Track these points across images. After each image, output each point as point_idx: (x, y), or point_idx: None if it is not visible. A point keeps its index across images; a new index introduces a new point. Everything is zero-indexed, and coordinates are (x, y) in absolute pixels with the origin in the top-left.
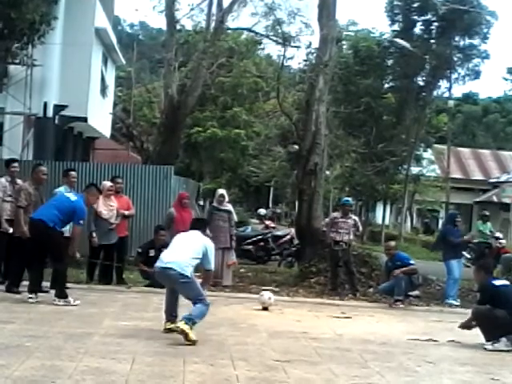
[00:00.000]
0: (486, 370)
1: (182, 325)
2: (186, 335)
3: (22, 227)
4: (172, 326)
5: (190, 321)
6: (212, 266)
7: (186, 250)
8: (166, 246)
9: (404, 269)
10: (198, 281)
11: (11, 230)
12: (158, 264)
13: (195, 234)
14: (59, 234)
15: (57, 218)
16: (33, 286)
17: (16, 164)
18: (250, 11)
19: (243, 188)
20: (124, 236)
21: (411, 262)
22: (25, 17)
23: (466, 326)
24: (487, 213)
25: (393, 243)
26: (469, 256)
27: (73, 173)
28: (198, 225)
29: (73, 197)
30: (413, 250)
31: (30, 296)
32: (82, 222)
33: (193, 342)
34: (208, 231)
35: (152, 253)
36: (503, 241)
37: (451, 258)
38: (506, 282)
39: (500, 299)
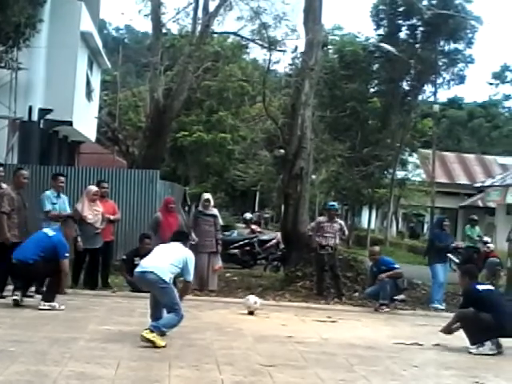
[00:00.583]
0: (471, 373)
1: (146, 334)
2: (152, 343)
3: (4, 234)
4: (143, 333)
5: (157, 329)
6: (191, 278)
7: (166, 257)
8: None
9: (389, 273)
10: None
11: None
12: (138, 269)
13: (177, 245)
14: (41, 264)
15: (36, 255)
16: (46, 295)
17: (1, 168)
18: (236, 15)
19: (229, 192)
20: (109, 240)
21: (395, 265)
22: (10, 20)
23: (447, 330)
24: (476, 217)
25: (377, 248)
26: (457, 260)
27: (61, 178)
28: (180, 237)
29: (50, 232)
30: (398, 255)
31: (16, 294)
32: (67, 254)
33: (161, 346)
34: (194, 235)
35: (137, 261)
36: (491, 245)
37: (436, 262)
38: (490, 287)
39: (484, 303)
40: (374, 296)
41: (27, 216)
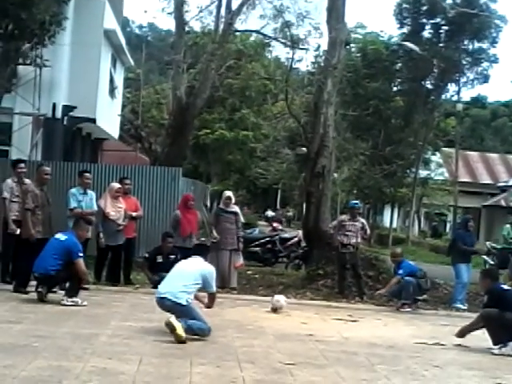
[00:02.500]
0: (493, 374)
1: (171, 318)
2: (173, 329)
3: (29, 230)
4: (169, 318)
5: (184, 322)
6: (214, 290)
7: (180, 279)
8: (173, 252)
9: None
10: (201, 306)
11: (19, 231)
12: (157, 294)
13: (194, 260)
14: (62, 272)
15: (56, 264)
16: (70, 290)
17: (23, 165)
18: (259, 13)
19: (251, 190)
20: (132, 237)
21: (413, 269)
22: (35, 17)
23: (461, 333)
24: None
25: (398, 250)
26: (492, 262)
27: (87, 174)
28: (199, 250)
29: (62, 237)
30: (420, 254)
31: (41, 288)
32: (80, 254)
33: (180, 339)
34: (215, 233)
35: (160, 259)
36: None
37: (460, 262)
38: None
39: (509, 302)
40: (396, 295)
41: (51, 212)
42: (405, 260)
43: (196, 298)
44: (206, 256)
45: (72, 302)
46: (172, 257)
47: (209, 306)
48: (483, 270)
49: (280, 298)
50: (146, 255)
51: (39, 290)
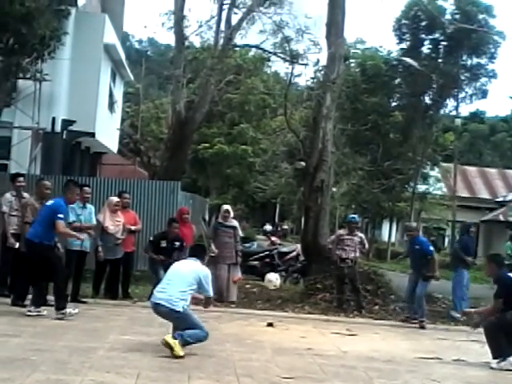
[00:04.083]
0: None
1: (168, 338)
2: (170, 348)
3: None
4: (165, 337)
5: (180, 337)
6: (210, 293)
7: (176, 284)
8: (177, 239)
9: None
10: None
11: (17, 245)
12: (152, 299)
13: (190, 263)
14: (47, 248)
15: (41, 231)
16: (35, 299)
17: (21, 178)
18: (259, 29)
19: (249, 204)
20: (130, 251)
21: (430, 248)
22: (36, 32)
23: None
24: None
25: (414, 224)
26: None
27: (86, 188)
28: (197, 252)
29: (50, 202)
30: None
31: (29, 309)
32: (60, 215)
33: (178, 355)
34: (213, 247)
35: (164, 243)
36: None
37: (462, 268)
38: None
39: None
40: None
41: None
42: (419, 236)
43: (193, 297)
44: (203, 257)
45: (61, 313)
46: (177, 243)
47: (205, 306)
48: (489, 255)
49: (272, 277)
50: (151, 238)
51: (28, 313)
